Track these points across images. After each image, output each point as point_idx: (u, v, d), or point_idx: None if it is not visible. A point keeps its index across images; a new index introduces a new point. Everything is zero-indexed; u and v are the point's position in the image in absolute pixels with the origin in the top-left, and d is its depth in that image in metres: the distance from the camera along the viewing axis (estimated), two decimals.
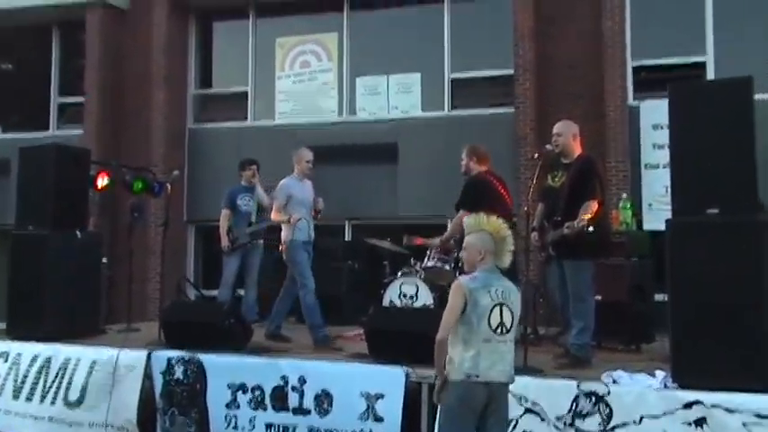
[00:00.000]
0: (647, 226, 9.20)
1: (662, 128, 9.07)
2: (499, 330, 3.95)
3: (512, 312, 4.01)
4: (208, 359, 6.27)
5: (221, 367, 6.22)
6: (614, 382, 5.16)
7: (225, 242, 8.51)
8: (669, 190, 5.41)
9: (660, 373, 5.17)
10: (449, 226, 7.50)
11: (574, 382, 5.18)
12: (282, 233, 7.22)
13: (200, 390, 6.21)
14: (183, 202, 12.44)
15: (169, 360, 6.37)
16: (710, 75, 10.15)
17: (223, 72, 13.24)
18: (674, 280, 5.16)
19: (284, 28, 12.57)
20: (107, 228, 11.24)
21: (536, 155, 6.53)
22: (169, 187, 8.17)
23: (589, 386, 5.10)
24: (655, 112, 9.59)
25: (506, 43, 10.85)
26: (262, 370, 6.10)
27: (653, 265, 7.30)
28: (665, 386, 5.02)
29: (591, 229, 5.57)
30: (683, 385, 4.96)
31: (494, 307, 3.94)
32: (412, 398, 5.57)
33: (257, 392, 6.03)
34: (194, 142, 12.78)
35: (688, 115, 5.26)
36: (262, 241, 8.63)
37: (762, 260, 4.92)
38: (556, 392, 5.19)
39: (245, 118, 12.65)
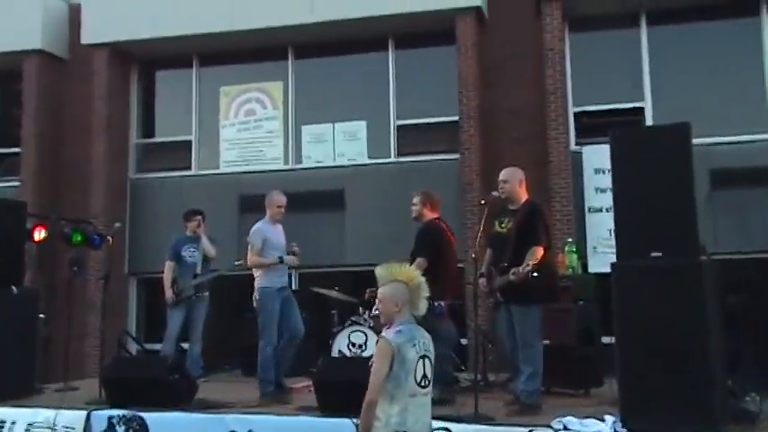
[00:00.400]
0: (592, 269, 9.32)
1: (604, 172, 9.26)
2: (422, 383, 3.86)
3: (431, 363, 3.94)
4: (151, 416, 6.05)
5: (165, 424, 6.00)
6: (565, 428, 5.14)
7: (169, 294, 8.27)
8: (613, 233, 5.49)
9: (609, 418, 5.17)
10: None
11: (525, 430, 5.16)
12: (256, 280, 7.00)
13: None
14: (125, 254, 12.14)
15: (110, 419, 6.12)
16: (649, 119, 10.47)
17: (166, 121, 13.08)
18: (621, 323, 5.21)
19: (228, 76, 12.55)
20: (45, 282, 10.91)
21: (482, 201, 6.56)
22: (110, 239, 7.97)
23: None
24: (597, 157, 9.80)
25: (451, 90, 11.01)
26: (208, 426, 5.91)
27: (599, 308, 7.36)
28: (615, 431, 5.01)
29: (536, 274, 5.61)
30: (633, 429, 4.96)
31: (418, 360, 3.86)
32: None
33: None
34: (136, 192, 12.55)
35: (629, 160, 5.37)
36: (207, 293, 8.45)
37: (703, 302, 5.01)
38: None
39: (189, 167, 12.49)
